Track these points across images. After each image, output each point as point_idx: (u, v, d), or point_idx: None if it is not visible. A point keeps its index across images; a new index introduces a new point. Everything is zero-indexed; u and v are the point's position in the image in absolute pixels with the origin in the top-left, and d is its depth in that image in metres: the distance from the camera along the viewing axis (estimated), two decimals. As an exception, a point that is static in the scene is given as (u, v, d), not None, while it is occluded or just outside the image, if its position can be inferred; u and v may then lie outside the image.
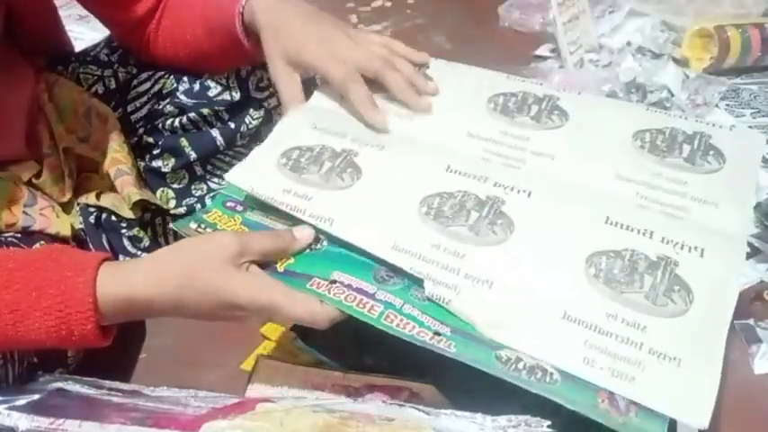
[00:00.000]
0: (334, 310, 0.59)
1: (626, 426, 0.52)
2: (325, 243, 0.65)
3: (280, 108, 0.93)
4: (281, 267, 0.63)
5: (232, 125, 0.91)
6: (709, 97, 1.27)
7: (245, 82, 0.90)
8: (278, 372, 0.78)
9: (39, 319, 0.56)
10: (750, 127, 1.18)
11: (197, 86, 0.89)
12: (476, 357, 0.56)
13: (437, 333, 0.57)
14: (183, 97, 0.90)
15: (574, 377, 0.55)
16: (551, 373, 0.55)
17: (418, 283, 0.61)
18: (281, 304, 0.59)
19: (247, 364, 0.85)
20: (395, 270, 0.62)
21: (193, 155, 0.92)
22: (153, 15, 0.87)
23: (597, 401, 0.53)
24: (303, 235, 0.64)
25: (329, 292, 0.60)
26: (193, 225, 0.67)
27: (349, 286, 0.60)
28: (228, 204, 0.70)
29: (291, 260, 0.64)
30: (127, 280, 0.59)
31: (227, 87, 0.89)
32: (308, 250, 0.65)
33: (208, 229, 0.67)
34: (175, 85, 0.90)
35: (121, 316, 0.60)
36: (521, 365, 0.55)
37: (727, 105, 1.26)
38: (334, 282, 0.61)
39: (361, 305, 0.59)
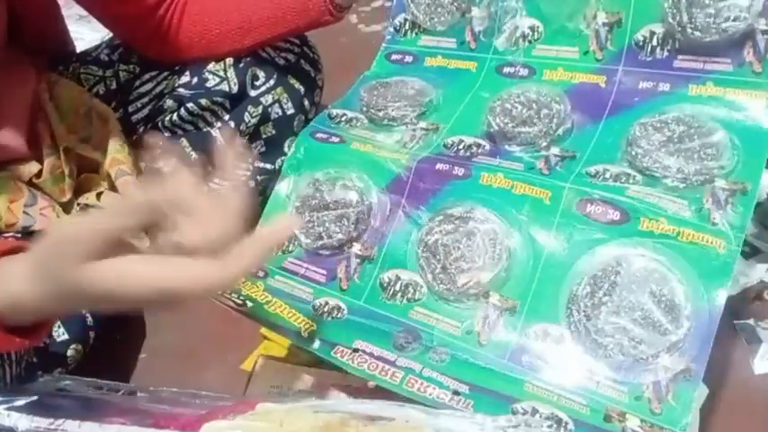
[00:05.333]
0: (232, 264, 0.48)
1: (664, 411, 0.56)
2: (345, 312, 0.69)
3: (276, 106, 0.93)
4: (305, 333, 0.67)
5: (231, 123, 0.91)
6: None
7: (242, 76, 0.90)
8: (278, 372, 0.78)
9: None
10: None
11: (195, 80, 0.90)
12: (493, 413, 0.57)
13: (456, 393, 0.60)
14: (181, 90, 0.90)
15: (587, 424, 0.58)
16: (566, 423, 0.57)
17: (433, 346, 0.65)
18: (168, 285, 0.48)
19: (247, 365, 0.85)
20: (413, 337, 0.66)
21: (194, 155, 0.92)
22: (162, 4, 0.87)
23: (643, 393, 0.58)
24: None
25: (353, 362, 0.64)
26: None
27: (371, 355, 0.64)
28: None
29: (314, 326, 0.68)
30: (11, 282, 0.50)
31: (224, 79, 0.89)
32: (330, 318, 0.69)
33: (233, 295, 0.72)
34: (177, 81, 0.90)
35: (22, 317, 0.53)
36: (537, 416, 0.57)
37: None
38: (356, 350, 0.65)
39: (383, 373, 0.62)
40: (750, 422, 0.76)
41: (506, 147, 0.75)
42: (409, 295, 0.69)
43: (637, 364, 0.59)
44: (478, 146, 0.76)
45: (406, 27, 0.90)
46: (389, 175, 0.75)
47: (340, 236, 0.74)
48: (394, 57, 0.90)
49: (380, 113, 0.83)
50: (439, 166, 0.74)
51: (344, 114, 0.85)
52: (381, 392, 0.74)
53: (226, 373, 0.85)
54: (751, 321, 0.88)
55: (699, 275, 0.59)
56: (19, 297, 0.51)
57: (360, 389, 0.75)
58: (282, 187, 0.81)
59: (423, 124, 0.81)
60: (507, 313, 0.65)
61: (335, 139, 0.81)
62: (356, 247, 0.73)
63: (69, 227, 0.49)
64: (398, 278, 0.70)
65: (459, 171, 0.72)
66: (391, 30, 0.92)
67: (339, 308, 0.70)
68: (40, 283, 0.50)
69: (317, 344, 0.67)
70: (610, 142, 0.70)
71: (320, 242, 0.75)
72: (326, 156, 0.80)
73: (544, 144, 0.73)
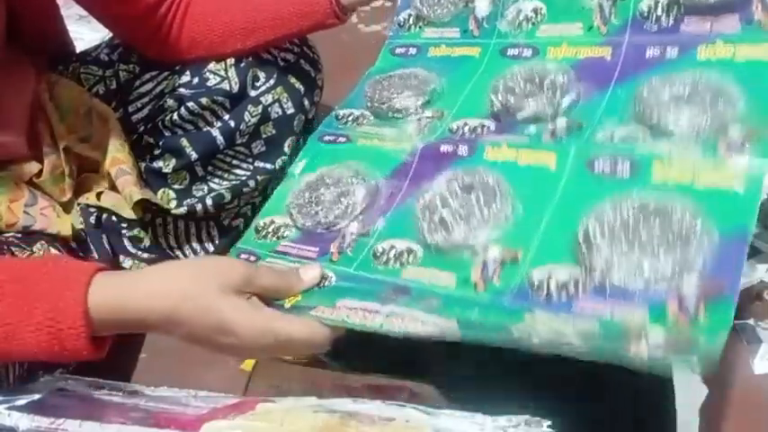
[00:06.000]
0: (334, 329, 0.59)
1: (694, 327, 0.51)
2: (333, 280, 0.66)
3: (276, 105, 0.94)
4: (288, 304, 0.63)
5: (231, 123, 0.91)
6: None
7: (243, 76, 0.90)
8: (278, 372, 0.78)
9: (30, 334, 0.55)
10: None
11: (196, 80, 0.90)
12: (488, 334, 0.56)
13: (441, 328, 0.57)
14: (182, 90, 0.90)
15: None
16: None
17: (425, 298, 0.61)
18: (276, 327, 0.58)
19: (247, 365, 0.85)
20: (402, 292, 0.62)
21: (194, 155, 0.92)
22: (162, 3, 0.87)
23: (667, 311, 0.52)
24: (309, 275, 0.64)
25: (331, 315, 0.60)
26: None
27: (352, 308, 0.60)
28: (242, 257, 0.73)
29: (299, 297, 0.64)
30: (121, 292, 0.57)
31: (225, 78, 0.89)
32: (315, 288, 0.65)
33: None
34: (177, 81, 0.90)
35: (114, 329, 0.58)
36: (534, 339, 0.54)
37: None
38: (337, 308, 0.61)
39: (363, 318, 0.59)
40: (750, 422, 0.76)
41: (510, 122, 0.73)
42: (403, 260, 0.66)
43: (656, 289, 0.55)
44: (483, 127, 0.75)
45: (410, 22, 0.90)
46: (393, 162, 0.75)
47: (337, 212, 0.72)
48: (398, 50, 0.90)
49: (384, 106, 0.82)
50: (443, 148, 0.73)
51: (351, 113, 0.85)
52: (381, 392, 0.74)
53: (226, 373, 0.85)
54: (751, 321, 0.88)
55: (720, 217, 0.56)
56: (135, 306, 0.56)
57: (360, 389, 0.75)
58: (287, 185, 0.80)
59: (428, 113, 0.80)
60: (509, 263, 0.61)
61: (342, 140, 0.81)
62: (353, 227, 0.72)
63: (244, 266, 0.60)
64: (393, 247, 0.68)
65: (463, 150, 0.71)
66: (395, 26, 0.92)
67: (326, 276, 0.66)
68: (177, 296, 0.56)
69: (294, 310, 0.63)
70: (618, 110, 0.69)
71: (317, 220, 0.73)
72: (333, 156, 0.79)
73: (549, 115, 0.72)
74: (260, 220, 0.77)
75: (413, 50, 0.89)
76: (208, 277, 0.58)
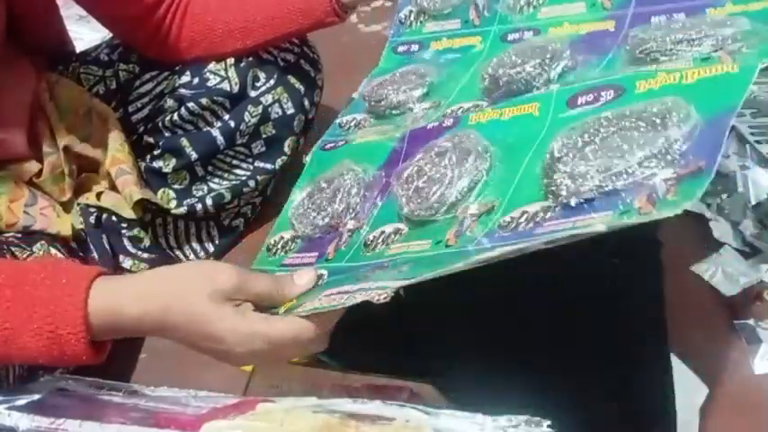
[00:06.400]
0: (316, 326, 0.57)
1: (665, 206, 0.47)
2: (326, 277, 0.64)
3: (276, 105, 0.94)
4: (282, 309, 0.61)
5: (231, 123, 0.91)
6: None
7: (243, 76, 0.90)
8: (278, 372, 0.78)
9: (30, 338, 0.55)
10: (750, 127, 1.18)
11: (196, 80, 0.90)
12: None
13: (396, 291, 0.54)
14: (182, 90, 0.90)
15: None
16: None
17: (397, 266, 0.58)
18: (260, 330, 0.57)
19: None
20: (378, 266, 0.60)
21: (194, 155, 0.92)
22: (161, 3, 0.88)
23: (634, 207, 0.49)
24: (303, 280, 0.61)
25: (311, 305, 0.58)
26: None
27: (329, 295, 0.58)
28: None
29: (294, 301, 0.61)
30: (118, 296, 0.56)
31: (225, 78, 0.89)
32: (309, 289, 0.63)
33: None
34: (177, 81, 0.90)
35: (113, 333, 0.58)
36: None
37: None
38: (318, 299, 0.59)
39: (331, 301, 0.57)
40: (750, 422, 0.76)
41: (501, 95, 0.69)
42: (389, 241, 0.64)
43: (625, 190, 0.51)
44: (477, 106, 0.72)
45: (412, 18, 0.90)
46: (385, 153, 0.73)
47: (333, 212, 0.71)
48: (401, 48, 0.89)
49: (382, 103, 0.81)
50: (430, 126, 0.71)
51: (354, 119, 0.84)
52: (381, 392, 0.74)
53: (226, 373, 0.84)
54: (751, 321, 0.88)
55: (704, 102, 0.52)
56: (129, 311, 0.56)
57: (360, 389, 0.75)
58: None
59: (425, 104, 0.78)
60: (484, 215, 0.58)
61: (341, 143, 0.80)
62: (350, 224, 0.70)
63: (236, 271, 0.58)
64: (382, 232, 0.66)
65: (448, 123, 0.69)
66: (397, 23, 0.91)
67: (320, 276, 0.64)
68: (166, 302, 0.56)
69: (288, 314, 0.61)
70: (614, 67, 0.65)
71: (315, 224, 0.72)
72: (331, 160, 0.78)
73: (542, 82, 0.68)
74: (270, 239, 0.76)
75: (415, 47, 0.88)
76: (198, 284, 0.57)
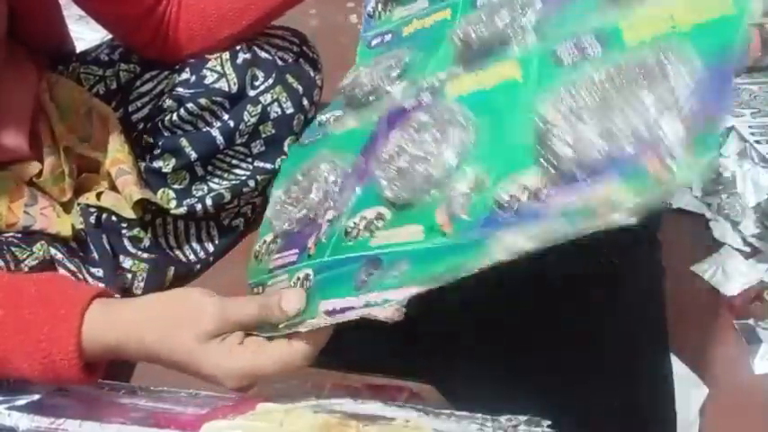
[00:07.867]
0: (306, 346, 0.57)
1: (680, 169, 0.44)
2: (312, 277, 0.62)
3: (276, 105, 0.94)
4: (281, 325, 0.59)
5: (231, 123, 0.91)
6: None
7: (242, 76, 0.90)
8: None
9: (24, 362, 0.54)
10: (750, 127, 1.18)
11: (194, 78, 0.90)
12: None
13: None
14: (180, 89, 0.90)
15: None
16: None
17: (394, 263, 0.56)
18: (247, 368, 0.56)
19: (247, 364, 0.85)
20: (374, 266, 0.58)
21: (194, 155, 0.92)
22: (161, 1, 0.88)
23: (647, 171, 0.45)
24: (290, 306, 0.58)
25: (316, 324, 0.57)
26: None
27: (333, 311, 0.56)
28: None
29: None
30: (113, 326, 0.56)
31: (222, 75, 0.89)
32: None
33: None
34: (177, 79, 0.90)
35: (107, 358, 0.58)
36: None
37: (728, 105, 1.26)
38: (320, 315, 0.57)
39: (336, 320, 0.56)
40: (750, 422, 0.76)
41: (475, 54, 0.63)
42: (372, 227, 0.61)
43: (630, 151, 0.47)
44: (452, 74, 0.66)
45: (379, 8, 0.87)
46: (363, 138, 0.69)
47: (309, 203, 0.68)
48: (374, 42, 0.86)
49: (356, 91, 0.75)
50: (407, 103, 0.66)
51: (332, 115, 0.82)
52: (381, 392, 0.74)
53: (226, 373, 0.85)
54: (751, 321, 0.88)
55: (704, 47, 0.48)
56: (120, 341, 0.56)
57: (360, 389, 0.75)
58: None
59: (402, 83, 0.72)
60: (476, 191, 0.54)
61: (319, 135, 0.79)
62: (329, 214, 0.67)
63: (216, 311, 0.57)
64: (363, 218, 0.62)
65: (426, 98, 0.65)
66: (366, 18, 0.89)
67: (307, 276, 0.62)
68: (154, 336, 0.56)
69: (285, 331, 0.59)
70: (593, 6, 0.57)
71: (292, 217, 0.69)
72: (308, 154, 0.75)
73: (514, 33, 0.61)
74: (256, 245, 0.74)
75: (388, 37, 0.84)
76: (184, 324, 0.56)
